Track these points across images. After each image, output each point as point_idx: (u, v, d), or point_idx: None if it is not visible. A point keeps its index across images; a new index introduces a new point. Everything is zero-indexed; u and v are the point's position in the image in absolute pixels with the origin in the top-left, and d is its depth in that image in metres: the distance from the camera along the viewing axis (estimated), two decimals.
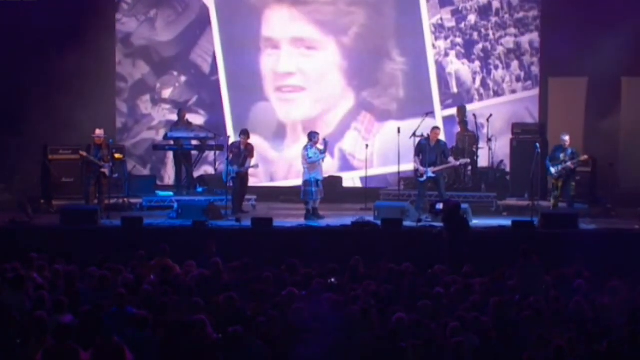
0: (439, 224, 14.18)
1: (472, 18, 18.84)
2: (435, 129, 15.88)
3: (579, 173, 16.41)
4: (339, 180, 18.51)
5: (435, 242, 13.49)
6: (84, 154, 15.84)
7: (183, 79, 19.27)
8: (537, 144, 15.74)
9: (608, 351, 8.31)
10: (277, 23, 19.07)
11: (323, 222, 15.27)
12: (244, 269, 11.56)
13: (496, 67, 18.87)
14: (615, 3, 17.58)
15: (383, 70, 18.97)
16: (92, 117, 17.31)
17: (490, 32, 18.83)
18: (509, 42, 18.80)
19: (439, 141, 15.75)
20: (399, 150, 16.36)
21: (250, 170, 16.60)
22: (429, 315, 9.32)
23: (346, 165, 19.03)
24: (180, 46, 19.16)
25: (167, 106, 19.23)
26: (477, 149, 17.45)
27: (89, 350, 8.15)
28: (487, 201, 16.98)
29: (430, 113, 17.44)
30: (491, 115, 17.90)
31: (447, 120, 18.55)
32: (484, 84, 18.89)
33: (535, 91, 18.72)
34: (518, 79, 18.87)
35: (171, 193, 17.33)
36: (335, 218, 15.51)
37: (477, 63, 18.86)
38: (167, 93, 19.28)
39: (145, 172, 18.98)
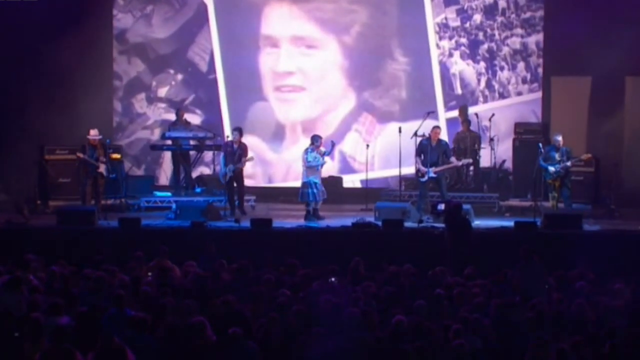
0: (441, 225, 14.18)
1: (477, 17, 18.61)
2: (436, 128, 15.89)
3: (582, 173, 16.42)
4: (339, 180, 18.48)
5: (437, 243, 13.50)
6: (81, 155, 15.86)
7: (179, 77, 19.13)
8: (540, 144, 15.76)
9: (611, 354, 8.33)
10: (277, 21, 18.91)
11: (323, 223, 15.28)
12: (242, 270, 11.57)
13: (502, 68, 18.67)
14: (619, 1, 17.60)
15: (385, 70, 18.81)
16: (89, 116, 17.29)
17: (496, 32, 18.61)
18: (515, 42, 18.58)
19: (440, 141, 15.76)
20: (400, 151, 16.31)
21: (248, 171, 16.56)
22: (424, 316, 9.34)
23: (346, 167, 18.86)
24: (177, 43, 19.01)
25: (163, 105, 19.10)
26: (479, 149, 17.45)
27: (90, 353, 8.16)
28: (489, 202, 16.99)
29: (432, 112, 17.27)
30: (493, 114, 17.90)
31: (450, 122, 18.39)
32: (489, 85, 18.70)
33: (541, 93, 18.57)
34: (524, 81, 18.64)
35: (169, 194, 17.33)
36: (336, 219, 15.51)
37: (482, 64, 18.66)
38: (163, 91, 19.13)
39: (140, 172, 18.83)
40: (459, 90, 18.74)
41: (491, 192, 17.24)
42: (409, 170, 16.98)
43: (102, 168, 15.73)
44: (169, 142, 17.51)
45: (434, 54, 18.70)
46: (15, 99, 17.89)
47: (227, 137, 16.72)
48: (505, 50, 18.65)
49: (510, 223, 14.79)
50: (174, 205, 15.95)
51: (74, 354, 8.10)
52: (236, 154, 16.14)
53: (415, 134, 16.14)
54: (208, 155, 18.08)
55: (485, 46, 18.70)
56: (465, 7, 18.65)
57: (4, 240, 13.92)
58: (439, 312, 9.68)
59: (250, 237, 14.20)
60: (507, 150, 17.95)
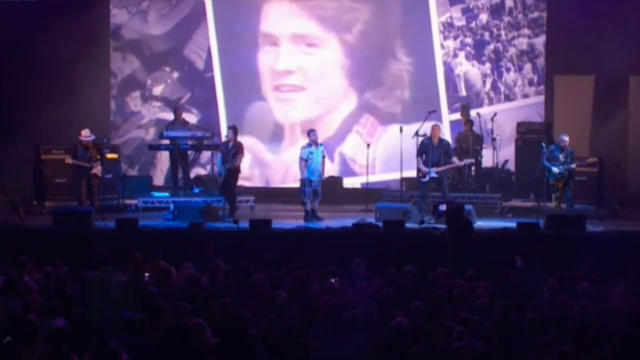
0: (442, 226, 14.19)
1: (483, 17, 18.47)
2: (436, 126, 15.85)
3: (586, 173, 16.42)
4: (339, 180, 18.45)
5: (438, 244, 13.50)
6: (70, 161, 15.69)
7: (175, 75, 19.03)
8: (543, 144, 15.75)
9: (613, 356, 8.33)
10: (277, 18, 18.80)
11: (323, 224, 15.29)
12: (241, 271, 11.56)
13: (508, 70, 18.51)
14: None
15: (388, 70, 18.70)
16: (86, 115, 17.21)
17: (503, 33, 18.45)
18: (521, 43, 18.44)
19: (441, 140, 15.76)
20: (402, 153, 16.28)
21: (245, 173, 16.51)
22: (422, 317, 9.34)
23: (347, 170, 18.74)
24: (174, 40, 18.88)
25: (158, 104, 18.98)
26: (482, 148, 17.45)
27: (84, 355, 8.17)
28: (491, 202, 17.00)
29: (433, 112, 17.07)
30: (495, 114, 17.87)
31: (454, 124, 18.27)
32: (494, 87, 18.56)
33: (544, 92, 18.46)
34: (530, 83, 18.49)
35: (167, 194, 17.34)
36: (336, 219, 15.52)
37: (488, 65, 18.52)
38: (158, 90, 19.02)
39: (133, 173, 18.73)
40: (463, 92, 18.59)
41: (493, 192, 17.24)
42: (411, 173, 16.86)
43: (96, 169, 15.64)
44: (167, 141, 17.49)
45: (438, 54, 18.55)
46: (10, 98, 17.87)
47: (226, 137, 16.69)
48: (512, 51, 18.50)
49: (512, 224, 14.81)
50: (172, 206, 15.95)
51: (70, 356, 8.10)
52: (230, 152, 16.03)
53: (417, 134, 16.14)
54: (204, 155, 17.99)
55: (491, 47, 18.54)
56: (471, 6, 18.48)
57: None
58: (440, 313, 9.68)
59: (249, 238, 14.19)
60: (512, 153, 17.87)
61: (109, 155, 16.63)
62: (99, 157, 15.70)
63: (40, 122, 17.49)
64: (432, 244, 13.75)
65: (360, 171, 18.32)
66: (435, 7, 18.48)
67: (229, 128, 16.46)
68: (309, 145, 15.56)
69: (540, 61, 18.45)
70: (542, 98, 18.48)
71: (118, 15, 18.89)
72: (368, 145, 17.35)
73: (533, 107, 18.50)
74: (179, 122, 17.54)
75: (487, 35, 18.56)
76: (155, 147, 18.06)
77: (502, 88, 18.61)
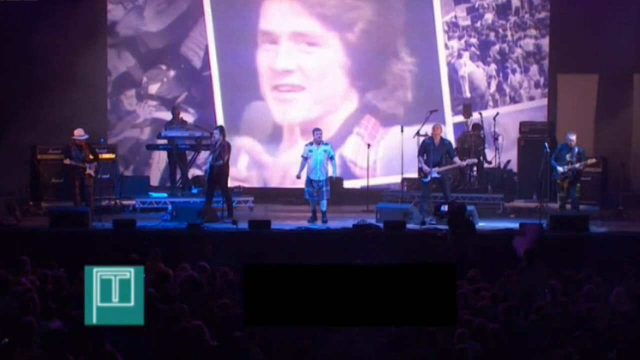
0: (444, 227, 14.17)
1: (489, 17, 18.35)
2: (437, 125, 15.84)
3: (589, 173, 16.40)
4: (339, 180, 18.41)
5: (440, 245, 13.49)
6: (68, 162, 15.61)
7: (172, 73, 18.95)
8: (546, 144, 15.75)
9: (618, 359, 8.33)
10: (276, 16, 18.72)
11: (323, 225, 15.28)
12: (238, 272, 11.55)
13: (513, 71, 18.40)
14: None
15: (390, 70, 18.61)
16: (82, 114, 17.15)
17: (509, 33, 18.33)
18: (528, 44, 18.33)
19: (443, 140, 15.75)
20: (402, 153, 16.25)
21: (242, 174, 16.42)
22: None
23: (347, 173, 18.63)
24: (170, 38, 18.79)
25: (154, 103, 18.90)
26: (484, 149, 17.44)
27: (80, 358, 8.16)
28: (493, 203, 16.99)
29: (435, 111, 16.99)
30: (497, 113, 17.85)
31: (458, 126, 18.19)
32: (499, 89, 18.46)
33: (548, 91, 18.37)
34: (537, 85, 18.39)
35: (165, 194, 17.33)
36: (336, 220, 15.52)
37: (493, 66, 18.43)
38: (154, 88, 18.94)
39: (128, 173, 18.68)
40: (467, 94, 18.49)
41: (495, 193, 17.22)
42: (413, 176, 16.79)
43: (90, 169, 15.58)
44: (164, 141, 17.47)
45: (442, 55, 18.45)
46: (6, 97, 17.84)
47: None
48: (518, 52, 18.40)
49: (515, 225, 14.78)
50: (169, 207, 15.93)
51: (67, 359, 8.09)
52: (217, 151, 15.63)
53: (418, 134, 16.13)
54: (202, 156, 17.91)
55: (497, 47, 18.42)
56: (477, 5, 18.35)
57: None
58: None
59: (249, 238, 14.19)
60: (515, 153, 17.82)
61: (106, 155, 16.63)
62: (91, 157, 15.65)
63: (36, 122, 17.42)
64: (434, 245, 13.72)
65: (360, 174, 18.25)
66: (439, 6, 18.35)
67: (215, 128, 16.12)
68: (311, 143, 15.55)
69: (547, 63, 18.34)
70: (546, 99, 18.38)
71: (113, 11, 18.78)
72: (369, 145, 17.33)
73: (540, 109, 18.37)
74: (177, 122, 17.54)
75: (492, 35, 18.43)
76: (153, 147, 18.05)
77: (508, 90, 18.50)
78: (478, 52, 18.49)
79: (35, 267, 11.62)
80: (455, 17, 18.44)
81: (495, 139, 17.53)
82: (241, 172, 18.32)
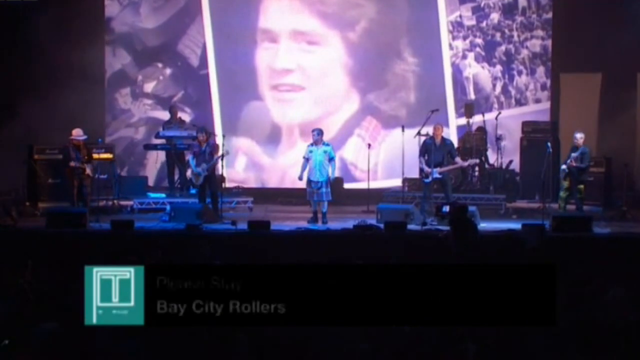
0: (445, 228, 14.20)
1: (495, 16, 18.28)
2: (438, 125, 15.85)
3: (593, 174, 16.42)
4: (339, 181, 18.42)
5: (441, 246, 13.51)
6: (73, 164, 15.56)
7: (168, 71, 18.86)
8: (549, 143, 15.77)
9: None
10: (276, 14, 18.67)
11: (323, 226, 15.31)
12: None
13: (519, 73, 18.33)
14: None
15: (392, 71, 18.55)
16: (79, 113, 17.13)
17: (515, 33, 18.26)
18: (535, 45, 18.26)
19: (444, 140, 15.77)
20: (403, 154, 16.25)
21: (240, 176, 16.37)
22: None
23: (347, 175, 18.59)
24: (167, 35, 18.70)
25: (149, 101, 18.82)
26: (486, 149, 17.47)
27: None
28: (495, 203, 17.02)
29: (436, 110, 16.90)
30: (499, 113, 17.86)
31: (461, 128, 18.17)
32: (505, 90, 18.38)
33: (551, 90, 18.31)
34: (543, 87, 18.34)
35: (163, 195, 17.35)
36: (337, 221, 15.54)
37: (499, 67, 18.37)
38: (149, 87, 18.86)
39: (122, 173, 18.53)
40: (472, 95, 18.42)
41: (498, 193, 17.24)
42: (414, 177, 16.81)
43: (89, 169, 15.63)
44: (162, 141, 17.48)
45: (446, 55, 18.37)
46: (2, 96, 17.87)
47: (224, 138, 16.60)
48: (524, 53, 18.32)
49: (517, 225, 14.80)
50: (168, 207, 15.95)
51: None
52: (205, 153, 15.44)
53: (419, 134, 16.15)
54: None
55: (502, 48, 18.34)
56: (482, 4, 18.27)
57: None
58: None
59: (248, 239, 14.21)
60: (517, 153, 17.84)
61: (104, 155, 16.65)
62: (87, 157, 15.67)
63: (33, 121, 17.45)
64: (435, 246, 13.74)
65: (361, 177, 18.19)
66: (444, 5, 18.26)
67: (198, 130, 15.85)
68: (311, 144, 15.57)
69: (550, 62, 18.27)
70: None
71: (109, 7, 18.69)
72: (369, 145, 17.31)
73: (546, 112, 18.30)
74: (175, 121, 17.55)
75: (498, 35, 18.34)
76: (151, 147, 18.05)
77: (513, 92, 18.43)
78: (483, 53, 18.42)
79: (32, 268, 11.64)
80: (460, 16, 18.36)
81: (498, 139, 17.55)
82: (239, 173, 18.28)
